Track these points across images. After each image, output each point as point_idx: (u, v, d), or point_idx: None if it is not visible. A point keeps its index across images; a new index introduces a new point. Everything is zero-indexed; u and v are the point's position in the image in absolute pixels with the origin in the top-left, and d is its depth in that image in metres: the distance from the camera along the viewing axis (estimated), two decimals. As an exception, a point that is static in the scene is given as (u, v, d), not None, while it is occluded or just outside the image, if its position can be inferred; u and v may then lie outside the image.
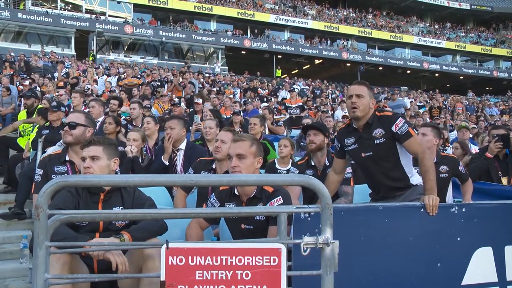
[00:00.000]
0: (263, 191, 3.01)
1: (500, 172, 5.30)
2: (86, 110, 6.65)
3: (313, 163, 4.48)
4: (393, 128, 3.27)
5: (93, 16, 31.54)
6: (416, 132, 4.40)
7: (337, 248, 1.84)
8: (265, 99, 14.98)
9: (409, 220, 2.83)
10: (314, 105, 15.47)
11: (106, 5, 32.57)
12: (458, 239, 2.88)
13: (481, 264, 2.91)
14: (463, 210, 2.93)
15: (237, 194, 3.09)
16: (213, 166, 4.20)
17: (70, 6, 32.01)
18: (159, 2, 33.19)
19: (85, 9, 31.99)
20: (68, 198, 2.91)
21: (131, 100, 9.31)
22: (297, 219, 2.33)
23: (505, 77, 42.06)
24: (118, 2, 32.76)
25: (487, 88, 39.60)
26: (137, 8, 33.30)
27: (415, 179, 3.42)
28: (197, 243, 1.87)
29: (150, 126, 5.80)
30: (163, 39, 32.19)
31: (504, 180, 5.25)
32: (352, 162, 3.91)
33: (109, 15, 32.41)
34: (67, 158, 3.79)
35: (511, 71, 43.01)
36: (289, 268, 1.82)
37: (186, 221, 3.26)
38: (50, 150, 4.71)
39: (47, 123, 6.70)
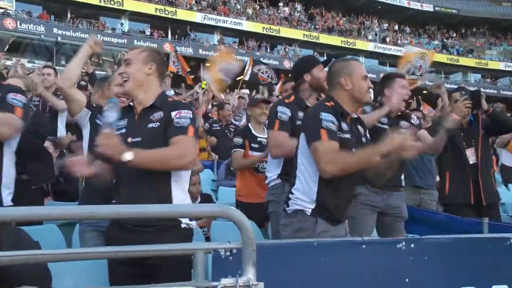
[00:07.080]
0: (166, 102, 3.14)
1: (464, 143, 5.39)
2: None
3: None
4: None
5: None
6: None
7: (262, 291, 1.95)
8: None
9: (350, 258, 2.96)
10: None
11: (-22, -9, 31.46)
12: (407, 280, 3.05)
13: (434, 309, 3.09)
14: (412, 246, 3.11)
15: (132, 105, 3.20)
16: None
17: None
18: (53, -8, 32.59)
19: None
20: None
21: (43, 65, 9.60)
22: (217, 258, 2.43)
23: (475, 92, 44.30)
24: (-4, -12, 31.80)
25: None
26: (23, -3, 32.44)
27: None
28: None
29: (50, 78, 6.85)
30: (59, 38, 31.52)
31: (469, 152, 5.36)
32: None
33: (-17, 5, 31.31)
34: None
35: (481, 85, 45.07)
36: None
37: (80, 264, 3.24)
38: None
39: None
